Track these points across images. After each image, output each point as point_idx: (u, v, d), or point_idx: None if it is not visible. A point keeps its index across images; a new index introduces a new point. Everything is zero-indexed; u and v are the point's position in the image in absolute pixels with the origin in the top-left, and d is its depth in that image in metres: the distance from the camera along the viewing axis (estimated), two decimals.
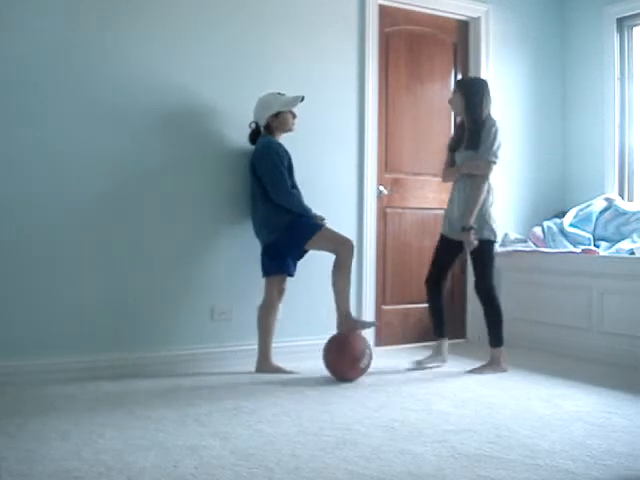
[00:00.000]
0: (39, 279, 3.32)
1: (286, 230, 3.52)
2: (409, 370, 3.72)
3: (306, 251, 3.64)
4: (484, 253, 3.65)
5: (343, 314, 3.52)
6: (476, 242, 3.57)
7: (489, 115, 3.65)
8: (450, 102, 3.76)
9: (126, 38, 3.50)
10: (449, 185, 3.86)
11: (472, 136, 3.62)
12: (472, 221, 3.56)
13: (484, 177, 3.58)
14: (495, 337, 3.74)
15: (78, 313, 3.40)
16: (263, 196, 3.55)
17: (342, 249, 3.54)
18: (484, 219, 3.62)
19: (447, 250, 3.77)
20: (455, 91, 3.72)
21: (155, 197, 3.59)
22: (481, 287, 3.68)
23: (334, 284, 3.54)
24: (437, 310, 3.81)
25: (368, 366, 3.47)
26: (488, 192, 3.63)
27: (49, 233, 3.35)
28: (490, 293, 3.69)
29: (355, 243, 4.11)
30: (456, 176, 3.71)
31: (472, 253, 3.65)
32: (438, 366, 3.76)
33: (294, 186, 3.60)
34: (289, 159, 3.58)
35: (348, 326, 3.51)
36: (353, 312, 4.10)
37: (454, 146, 3.76)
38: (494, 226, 3.66)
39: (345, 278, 3.54)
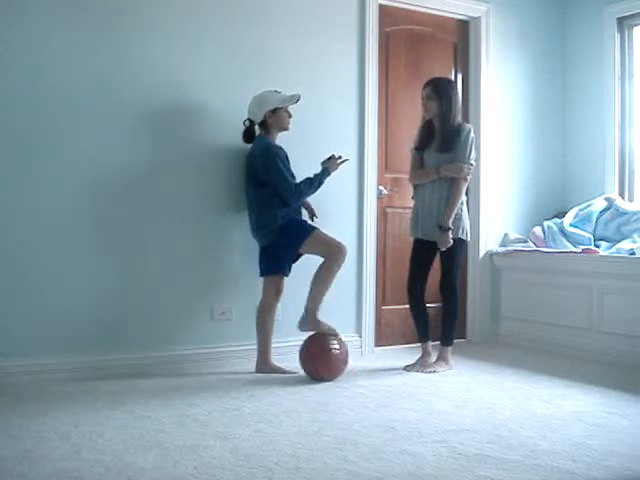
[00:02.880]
0: (39, 279, 3.32)
1: (280, 233, 3.51)
2: (407, 371, 3.72)
3: (301, 254, 3.64)
4: (455, 251, 3.70)
5: (310, 313, 3.48)
6: (451, 242, 3.62)
7: (461, 118, 3.72)
8: (424, 106, 3.71)
9: (125, 38, 3.50)
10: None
11: (446, 139, 3.64)
12: (451, 222, 3.62)
13: (465, 180, 3.66)
14: (449, 336, 3.78)
15: (78, 313, 3.40)
16: (257, 198, 3.56)
17: (333, 255, 3.51)
18: (459, 219, 3.68)
19: (425, 254, 3.77)
20: (430, 96, 3.66)
21: (154, 197, 3.59)
22: (446, 284, 3.72)
23: (313, 283, 3.51)
24: (423, 315, 3.80)
25: (345, 349, 3.47)
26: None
27: (48, 234, 3.34)
28: (454, 291, 3.73)
29: (355, 243, 4.13)
30: (433, 178, 3.69)
31: (444, 251, 3.68)
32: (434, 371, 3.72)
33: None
34: (288, 160, 3.57)
35: (311, 327, 3.48)
36: (353, 313, 4.14)
37: (422, 146, 3.76)
38: (467, 226, 3.74)
39: (327, 283, 3.51)
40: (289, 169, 3.54)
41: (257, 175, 3.53)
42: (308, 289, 3.52)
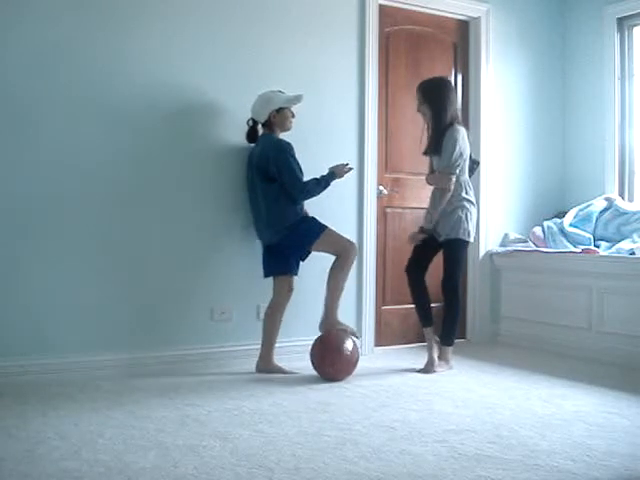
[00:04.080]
0: (39, 279, 3.32)
1: (291, 231, 3.52)
2: (415, 371, 3.70)
3: (309, 252, 3.64)
4: (457, 251, 3.72)
5: (329, 314, 3.53)
6: (418, 241, 3.72)
7: (452, 120, 3.65)
8: (420, 111, 3.73)
9: (125, 38, 3.50)
10: None
11: (436, 141, 3.66)
12: (428, 225, 3.70)
13: (445, 190, 3.65)
14: (450, 336, 3.79)
15: (78, 313, 3.40)
16: (267, 196, 3.54)
17: (345, 253, 3.55)
18: (461, 219, 3.68)
19: (429, 243, 3.76)
20: (421, 101, 3.68)
21: (155, 197, 3.59)
22: (448, 284, 3.72)
23: (329, 283, 3.55)
24: (423, 297, 3.78)
25: (356, 352, 3.47)
26: (467, 194, 3.72)
27: (48, 233, 3.34)
28: (455, 292, 3.74)
29: (355, 243, 4.12)
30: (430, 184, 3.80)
31: (445, 251, 3.71)
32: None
33: None
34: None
35: (331, 327, 3.52)
36: (353, 313, 4.14)
37: (426, 151, 3.80)
38: (470, 227, 3.72)
39: (341, 281, 3.56)
40: (299, 165, 3.54)
41: (267, 171, 3.52)
42: (325, 290, 3.56)
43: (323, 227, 3.58)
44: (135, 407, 2.88)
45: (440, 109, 3.64)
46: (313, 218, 3.64)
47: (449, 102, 3.67)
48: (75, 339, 3.38)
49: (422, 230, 3.73)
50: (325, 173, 3.63)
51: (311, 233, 3.54)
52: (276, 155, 3.49)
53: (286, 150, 3.50)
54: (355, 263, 4.10)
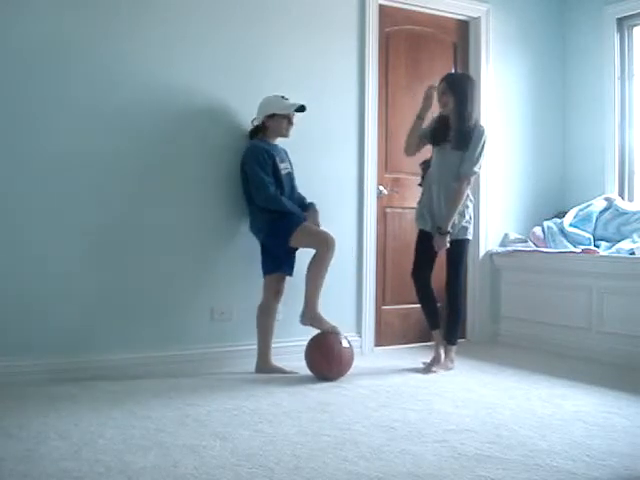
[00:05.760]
0: (38, 279, 3.32)
1: (269, 229, 3.54)
2: (414, 371, 3.71)
3: (296, 248, 3.63)
4: (462, 252, 3.73)
5: (308, 307, 3.50)
6: (448, 245, 3.63)
7: (478, 119, 3.72)
8: (439, 101, 3.66)
9: (125, 38, 3.50)
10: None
11: (460, 137, 3.60)
12: (450, 226, 3.62)
13: (468, 184, 3.65)
14: (454, 335, 3.79)
15: (77, 313, 3.40)
16: (248, 197, 3.61)
17: (323, 245, 3.50)
18: (467, 220, 3.69)
19: (430, 244, 3.71)
20: (445, 92, 3.62)
21: (154, 197, 3.59)
22: (453, 284, 3.72)
23: (308, 275, 3.51)
24: (432, 303, 3.78)
25: (352, 352, 3.50)
26: (469, 192, 3.73)
27: (48, 233, 3.34)
28: (460, 291, 3.76)
29: (355, 243, 4.14)
30: (426, 169, 3.73)
31: (452, 251, 3.68)
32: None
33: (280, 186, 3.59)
34: (274, 160, 3.55)
35: (311, 321, 3.50)
36: (353, 313, 4.15)
37: (434, 139, 3.71)
38: (471, 226, 3.75)
39: (320, 274, 3.50)
40: (266, 170, 3.51)
41: (245, 173, 3.58)
42: (305, 282, 3.52)
43: (299, 222, 3.55)
44: (135, 407, 2.88)
45: (465, 103, 3.58)
46: (290, 215, 3.57)
47: (473, 99, 3.66)
48: (75, 339, 3.38)
49: (442, 231, 3.60)
50: (300, 211, 3.61)
51: (287, 228, 3.53)
52: (247, 162, 3.55)
53: (254, 153, 3.53)
54: (355, 263, 4.14)
